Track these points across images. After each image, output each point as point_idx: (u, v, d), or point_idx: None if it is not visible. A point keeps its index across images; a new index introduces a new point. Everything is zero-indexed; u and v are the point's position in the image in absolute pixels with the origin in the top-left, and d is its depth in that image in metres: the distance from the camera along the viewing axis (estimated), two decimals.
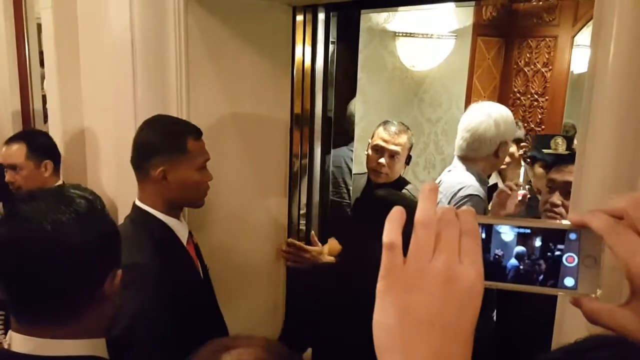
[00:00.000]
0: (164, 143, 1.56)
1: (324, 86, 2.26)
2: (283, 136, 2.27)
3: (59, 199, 0.90)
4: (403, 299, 0.50)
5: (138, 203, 1.56)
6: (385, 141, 2.48)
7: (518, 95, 4.32)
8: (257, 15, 2.08)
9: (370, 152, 2.54)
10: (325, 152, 2.33)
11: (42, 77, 3.78)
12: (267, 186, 2.27)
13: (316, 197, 2.38)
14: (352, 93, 2.44)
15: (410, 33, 3.47)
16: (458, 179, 2.21)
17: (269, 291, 2.38)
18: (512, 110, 4.26)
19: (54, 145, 2.32)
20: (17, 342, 0.87)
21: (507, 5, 4.05)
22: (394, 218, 0.51)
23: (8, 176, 2.22)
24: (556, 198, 1.74)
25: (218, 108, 2.08)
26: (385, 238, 0.51)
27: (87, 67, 2.59)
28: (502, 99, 4.34)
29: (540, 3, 4.00)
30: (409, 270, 0.50)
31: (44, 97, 3.80)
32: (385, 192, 2.06)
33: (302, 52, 2.22)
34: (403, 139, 2.48)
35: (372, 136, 2.56)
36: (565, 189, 1.71)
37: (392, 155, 2.47)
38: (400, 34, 3.45)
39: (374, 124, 3.40)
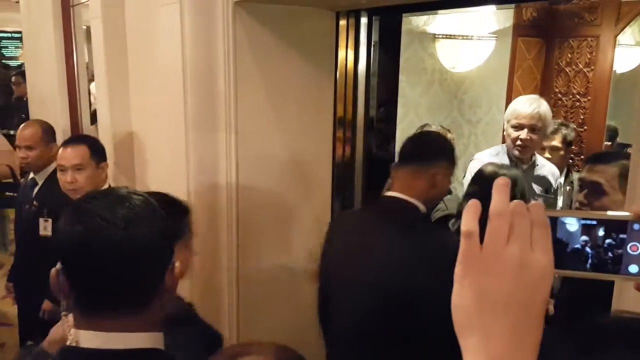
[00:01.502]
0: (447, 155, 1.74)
1: (366, 89, 2.28)
2: (327, 139, 2.30)
3: (117, 198, 0.94)
4: (480, 282, 0.55)
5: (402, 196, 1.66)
6: None
7: (559, 95, 4.26)
8: (301, 22, 2.12)
9: None
10: (367, 155, 2.34)
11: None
12: (311, 190, 2.30)
13: (359, 198, 2.39)
14: (393, 96, 2.45)
15: (450, 35, 3.47)
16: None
17: (313, 294, 2.40)
18: (553, 111, 4.23)
19: (102, 149, 2.43)
20: (86, 338, 0.91)
21: (548, 6, 4.00)
22: (471, 210, 0.56)
23: (69, 177, 2.30)
24: (581, 197, 1.73)
25: (264, 113, 2.13)
26: (464, 227, 0.55)
27: (136, 73, 2.67)
28: None
29: (581, 2, 3.94)
30: (485, 256, 0.55)
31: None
32: None
33: (344, 56, 2.25)
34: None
35: None
36: (592, 188, 1.69)
37: None
38: (440, 36, 3.46)
39: (414, 125, 3.41)
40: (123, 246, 0.90)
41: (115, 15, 2.65)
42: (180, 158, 2.15)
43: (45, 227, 2.63)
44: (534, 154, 2.67)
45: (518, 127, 2.58)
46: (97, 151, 2.34)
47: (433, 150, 1.74)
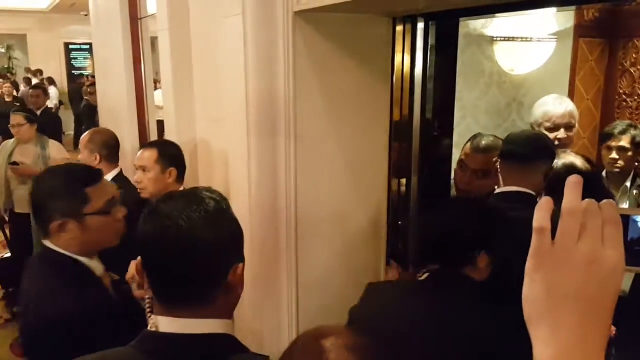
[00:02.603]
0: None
1: (422, 94, 2.30)
2: (383, 144, 2.33)
3: (192, 199, 1.02)
4: (551, 276, 0.58)
5: None
6: (469, 158, 2.35)
7: (624, 97, 4.12)
8: (358, 29, 2.17)
9: (456, 167, 2.43)
10: (423, 160, 2.36)
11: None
12: (367, 193, 2.34)
13: (415, 201, 2.41)
14: (450, 100, 2.46)
15: (509, 37, 3.43)
16: None
17: None
18: (617, 113, 4.10)
19: (181, 156, 2.53)
20: (164, 323, 1.00)
21: (611, 6, 3.88)
22: (543, 207, 0.59)
23: (137, 176, 2.47)
24: None
25: (322, 119, 2.18)
26: (536, 223, 0.59)
27: (200, 82, 2.80)
28: (607, 101, 4.15)
29: None
30: (557, 252, 0.58)
31: None
32: None
33: (401, 61, 2.27)
34: (491, 156, 2.28)
35: (462, 149, 2.43)
36: None
37: (476, 172, 2.32)
38: (499, 39, 3.43)
39: (471, 129, 3.39)
40: (183, 246, 0.97)
41: (181, 27, 2.79)
42: (243, 162, 2.24)
43: None
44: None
45: (554, 128, 2.60)
46: (165, 157, 2.45)
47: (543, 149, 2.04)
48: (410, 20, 2.23)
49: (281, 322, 2.26)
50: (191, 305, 1.00)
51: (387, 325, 1.47)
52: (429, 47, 2.25)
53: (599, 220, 0.58)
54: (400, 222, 2.42)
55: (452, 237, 1.49)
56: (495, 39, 3.45)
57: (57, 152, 4.28)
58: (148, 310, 1.04)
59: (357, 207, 2.32)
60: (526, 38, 3.49)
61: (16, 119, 4.15)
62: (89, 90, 6.70)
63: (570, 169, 2.13)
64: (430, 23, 2.23)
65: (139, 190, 2.50)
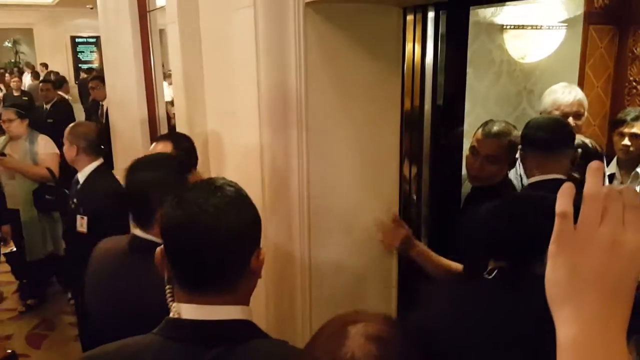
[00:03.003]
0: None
1: (433, 83, 2.29)
2: (394, 134, 2.34)
3: (212, 187, 1.05)
4: (573, 260, 0.60)
5: None
6: (480, 143, 2.34)
7: (634, 84, 4.10)
8: (368, 19, 2.16)
9: (468, 152, 2.42)
10: (435, 148, 2.36)
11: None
12: (379, 182, 2.35)
13: (426, 192, 2.41)
14: (461, 89, 2.45)
15: (519, 25, 3.42)
16: None
17: (379, 293, 2.44)
18: (627, 100, 4.08)
19: (194, 147, 2.55)
20: (187, 310, 1.02)
21: None
22: (566, 192, 0.61)
23: None
24: None
25: (333, 109, 2.18)
26: (559, 208, 0.60)
27: (210, 74, 2.80)
28: (616, 88, 4.13)
29: None
30: (579, 236, 0.59)
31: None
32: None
33: (412, 50, 2.27)
34: (502, 142, 2.31)
35: (474, 135, 2.44)
36: None
37: (488, 158, 2.32)
38: (509, 27, 3.41)
39: (481, 118, 3.38)
40: (211, 232, 1.00)
41: (191, 20, 2.79)
42: (255, 154, 2.25)
43: (82, 224, 2.83)
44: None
45: (562, 116, 2.60)
46: (180, 149, 2.48)
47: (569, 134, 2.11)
48: (421, 9, 2.22)
49: (294, 311, 2.28)
50: (214, 292, 1.02)
51: (461, 326, 1.38)
52: (440, 36, 2.24)
53: (619, 205, 0.59)
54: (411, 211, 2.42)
55: (526, 234, 1.40)
56: (505, 27, 3.44)
57: (44, 147, 4.29)
58: (169, 298, 1.05)
59: (369, 197, 2.33)
60: (536, 26, 3.47)
61: (7, 114, 4.18)
62: (90, 85, 6.67)
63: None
64: (440, 12, 2.22)
65: None
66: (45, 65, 15.39)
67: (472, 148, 2.39)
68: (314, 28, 2.06)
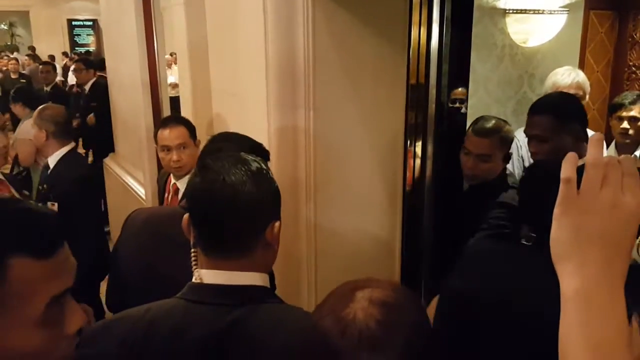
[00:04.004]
0: None
1: (438, 65, 2.32)
2: (400, 114, 2.38)
3: (238, 159, 1.11)
4: (577, 220, 0.66)
5: None
6: (471, 142, 2.33)
7: (633, 69, 4.15)
8: (376, 1, 2.19)
9: (461, 152, 2.39)
10: (438, 128, 2.39)
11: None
12: (384, 162, 2.39)
13: (429, 167, 2.44)
14: (464, 72, 2.49)
15: (521, 10, 3.44)
16: None
17: (383, 263, 2.50)
18: (627, 85, 4.12)
19: (194, 130, 2.57)
20: (209, 276, 1.08)
21: None
22: (570, 160, 0.67)
23: (175, 156, 2.43)
24: None
25: (340, 90, 2.22)
26: (563, 174, 0.67)
27: (215, 56, 2.83)
28: (616, 73, 4.18)
29: None
30: (582, 199, 0.66)
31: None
32: None
33: (417, 33, 2.29)
34: (493, 139, 2.30)
35: (466, 134, 2.39)
36: None
37: (480, 157, 2.30)
38: (511, 11, 3.44)
39: (483, 101, 3.43)
40: (228, 200, 1.06)
41: (196, 1, 2.81)
42: (262, 134, 2.29)
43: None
44: None
45: None
46: (192, 130, 2.50)
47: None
48: None
49: (300, 287, 2.34)
50: (232, 258, 1.08)
51: (503, 290, 1.37)
52: (445, 19, 2.27)
53: (618, 172, 0.65)
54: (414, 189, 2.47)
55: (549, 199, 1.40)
56: (507, 11, 3.47)
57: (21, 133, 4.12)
58: (193, 263, 1.10)
59: (374, 175, 2.38)
60: (538, 10, 3.50)
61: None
62: (74, 67, 6.48)
63: None
64: None
65: (175, 169, 2.49)
66: (32, 49, 15.31)
67: (463, 148, 2.36)
68: (322, 9, 2.09)
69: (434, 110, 2.36)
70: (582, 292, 0.65)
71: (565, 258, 0.67)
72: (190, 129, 2.50)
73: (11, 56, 12.30)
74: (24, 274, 0.74)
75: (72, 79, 8.74)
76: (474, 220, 2.21)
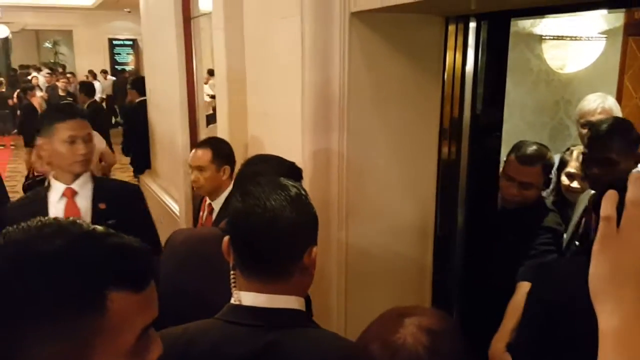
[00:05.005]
0: None
1: (472, 92, 2.33)
2: (432, 141, 2.39)
3: (277, 185, 1.14)
4: (616, 257, 0.67)
5: None
6: (514, 170, 2.28)
7: None
8: (411, 28, 2.23)
9: (502, 178, 2.36)
10: (472, 156, 2.39)
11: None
12: (416, 187, 2.40)
13: (463, 197, 2.44)
14: (500, 98, 2.49)
15: (558, 36, 3.44)
16: None
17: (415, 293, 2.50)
18: None
19: (233, 153, 2.59)
20: (248, 298, 1.11)
21: None
22: (610, 197, 0.68)
23: (193, 176, 2.53)
24: None
25: (374, 115, 2.25)
26: (603, 212, 0.68)
27: (252, 78, 2.90)
28: None
29: None
30: (622, 237, 0.67)
31: None
32: None
33: (452, 60, 2.32)
34: (538, 168, 2.27)
35: (506, 159, 2.37)
36: None
37: (523, 185, 2.27)
38: (548, 37, 3.44)
39: (517, 127, 3.42)
40: (267, 224, 1.09)
41: (236, 26, 2.89)
42: (296, 155, 2.32)
43: None
44: None
45: (586, 124, 2.59)
46: (220, 155, 2.51)
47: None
48: (463, 20, 2.27)
49: (330, 309, 2.34)
50: (270, 281, 1.11)
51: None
52: (480, 46, 2.28)
53: None
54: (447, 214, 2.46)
55: None
56: (543, 37, 3.46)
57: None
58: (233, 285, 1.14)
59: (406, 201, 2.39)
60: (575, 37, 3.48)
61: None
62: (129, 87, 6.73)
63: None
64: (482, 23, 2.26)
65: (196, 187, 2.57)
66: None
67: (506, 174, 2.32)
68: (358, 36, 2.13)
69: (468, 134, 2.37)
70: (620, 331, 0.65)
71: (603, 297, 0.68)
72: (218, 153, 2.52)
73: (66, 73, 12.68)
74: (121, 306, 0.75)
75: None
76: (512, 243, 2.21)
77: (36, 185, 4.24)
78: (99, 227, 0.81)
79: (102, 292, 0.74)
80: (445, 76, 2.34)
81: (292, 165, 1.90)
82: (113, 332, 0.75)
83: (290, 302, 1.12)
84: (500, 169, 2.45)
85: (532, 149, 2.29)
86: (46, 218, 0.79)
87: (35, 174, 4.49)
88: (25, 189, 4.53)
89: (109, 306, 0.74)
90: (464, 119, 2.35)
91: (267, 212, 1.09)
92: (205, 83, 5.67)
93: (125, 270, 0.77)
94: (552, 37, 3.45)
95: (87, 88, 7.29)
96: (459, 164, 2.40)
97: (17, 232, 0.77)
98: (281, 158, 1.95)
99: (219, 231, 1.65)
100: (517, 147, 2.34)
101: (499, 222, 2.44)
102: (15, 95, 13.41)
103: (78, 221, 0.82)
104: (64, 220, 0.81)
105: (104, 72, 15.50)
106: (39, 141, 2.14)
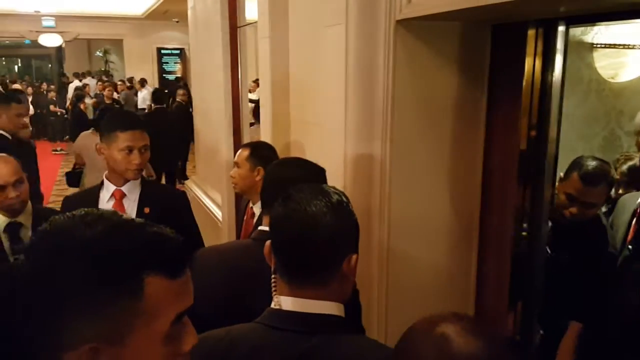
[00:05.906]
0: None
1: (529, 101, 2.23)
2: (478, 151, 2.35)
3: (319, 191, 1.15)
4: None
5: None
6: (579, 191, 2.23)
7: None
8: (457, 36, 2.20)
9: (562, 195, 2.30)
10: (523, 167, 2.31)
11: None
12: (459, 198, 2.36)
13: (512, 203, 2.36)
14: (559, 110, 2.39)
15: (610, 44, 3.33)
16: None
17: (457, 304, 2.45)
18: None
19: (273, 157, 2.58)
20: (288, 303, 1.11)
21: None
22: None
23: (231, 172, 2.64)
24: None
25: (417, 124, 2.23)
26: None
27: (295, 86, 2.92)
28: None
29: None
30: None
31: None
32: None
33: (532, 65, 2.21)
34: (602, 188, 2.22)
35: (566, 175, 2.31)
36: None
37: (586, 205, 2.24)
38: (599, 46, 3.34)
39: (567, 137, 3.31)
40: (307, 230, 1.09)
41: (281, 35, 2.93)
42: (339, 164, 2.33)
43: None
44: None
45: None
46: (256, 156, 2.54)
47: None
48: (518, 27, 2.20)
49: (370, 319, 2.32)
50: (310, 287, 1.10)
51: None
52: (535, 54, 2.20)
53: None
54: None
55: None
56: (594, 45, 3.36)
57: None
58: (273, 289, 1.14)
59: (448, 208, 2.35)
60: (628, 45, 3.37)
61: None
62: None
63: None
64: (537, 30, 2.19)
65: (232, 184, 2.66)
66: (130, 80, 16.21)
67: (567, 194, 2.26)
68: (403, 45, 2.12)
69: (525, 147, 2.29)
70: None
71: None
72: (255, 154, 2.56)
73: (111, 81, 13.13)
74: (158, 291, 0.80)
75: None
76: (562, 258, 2.16)
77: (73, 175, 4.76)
78: (138, 219, 0.86)
79: (139, 275, 0.79)
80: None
81: (312, 165, 1.90)
82: (149, 316, 0.79)
83: (329, 307, 1.11)
84: (556, 183, 2.38)
85: (595, 167, 2.21)
86: (89, 209, 0.84)
87: (76, 166, 4.99)
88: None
89: (145, 289, 0.79)
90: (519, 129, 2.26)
91: (308, 217, 1.09)
92: (252, 92, 5.77)
93: (162, 257, 0.81)
94: (603, 45, 3.35)
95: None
96: (510, 175, 2.31)
97: (63, 220, 0.82)
98: (307, 160, 1.97)
99: (250, 242, 1.67)
100: (579, 165, 2.25)
101: (552, 237, 2.37)
102: (68, 103, 14.01)
103: (118, 212, 0.86)
104: (105, 210, 0.86)
105: (143, 81, 15.56)
106: (97, 145, 2.25)
